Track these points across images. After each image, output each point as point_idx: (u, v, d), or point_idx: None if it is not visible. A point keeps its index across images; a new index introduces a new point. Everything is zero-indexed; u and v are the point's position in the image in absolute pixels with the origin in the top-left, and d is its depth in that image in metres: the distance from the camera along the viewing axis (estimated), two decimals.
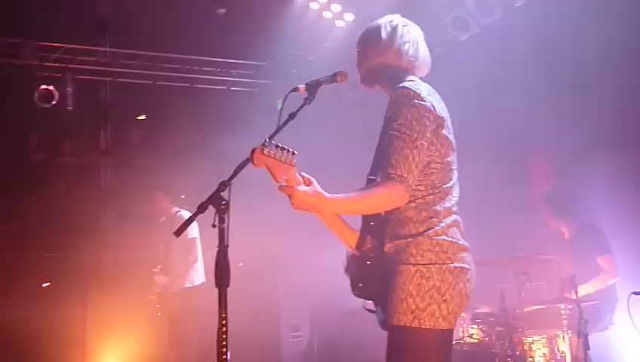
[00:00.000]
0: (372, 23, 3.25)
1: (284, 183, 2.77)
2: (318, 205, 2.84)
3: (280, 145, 2.67)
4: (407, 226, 2.93)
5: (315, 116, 3.27)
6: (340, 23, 8.04)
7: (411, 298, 2.82)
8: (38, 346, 6.87)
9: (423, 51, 3.22)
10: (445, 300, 2.83)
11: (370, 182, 3.03)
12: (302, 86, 3.01)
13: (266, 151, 2.62)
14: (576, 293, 5.11)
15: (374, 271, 2.98)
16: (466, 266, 2.92)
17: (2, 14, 7.64)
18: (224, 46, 8.75)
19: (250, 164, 2.69)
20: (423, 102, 2.92)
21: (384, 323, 2.97)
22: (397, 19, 3.23)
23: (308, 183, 2.87)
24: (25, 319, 7.32)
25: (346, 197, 2.87)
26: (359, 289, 2.99)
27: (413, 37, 3.20)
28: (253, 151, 2.63)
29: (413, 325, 2.81)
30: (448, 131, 3.03)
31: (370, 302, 3.06)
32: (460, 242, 2.94)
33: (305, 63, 8.49)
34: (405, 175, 2.83)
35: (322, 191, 2.85)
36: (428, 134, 2.90)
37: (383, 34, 3.17)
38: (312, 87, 3.00)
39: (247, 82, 9.37)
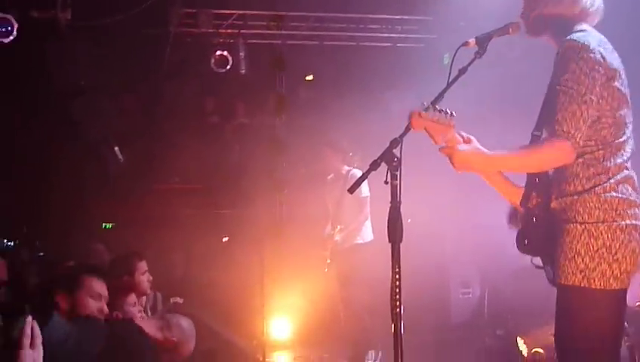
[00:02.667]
0: None
1: (444, 144, 2.79)
2: (479, 163, 2.85)
3: (438, 107, 2.68)
4: (572, 183, 2.84)
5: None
6: None
7: (580, 257, 2.76)
8: (220, 297, 7.29)
9: None
10: (617, 259, 2.75)
11: (535, 139, 2.95)
12: (472, 40, 2.95)
13: (423, 114, 2.65)
14: None
15: (540, 228, 2.93)
16: (638, 223, 2.79)
17: None
18: (389, 2, 8.69)
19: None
20: (592, 55, 2.79)
21: (553, 281, 2.93)
22: None
23: (467, 142, 2.84)
24: (207, 271, 7.83)
25: (509, 155, 2.87)
26: (524, 246, 2.96)
27: None
28: (410, 115, 2.67)
29: (583, 285, 2.76)
30: (621, 83, 2.86)
31: (538, 258, 3.00)
32: (631, 198, 2.81)
33: (472, 15, 8.23)
34: (572, 131, 2.74)
35: (482, 149, 2.84)
36: (597, 88, 2.78)
37: None
38: (483, 41, 2.93)
39: (413, 38, 9.26)
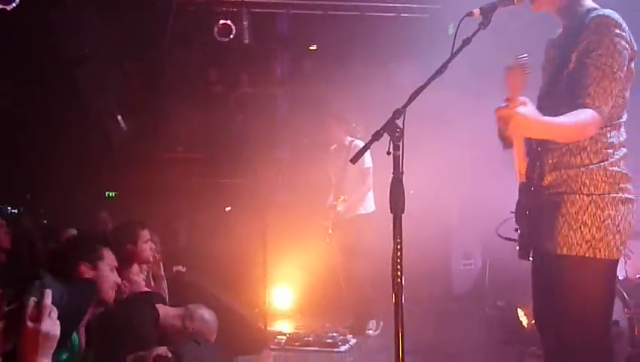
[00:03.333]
0: None
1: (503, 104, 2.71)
2: (535, 129, 2.79)
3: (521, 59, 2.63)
4: (579, 155, 2.89)
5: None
6: None
7: (586, 227, 2.82)
8: (222, 266, 7.33)
9: None
10: (619, 230, 2.84)
11: (542, 107, 2.93)
12: (476, 10, 2.91)
13: (527, 69, 2.61)
14: None
15: (536, 198, 2.98)
16: (633, 197, 2.91)
17: None
18: None
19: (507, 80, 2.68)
20: (624, 33, 2.83)
21: (524, 254, 3.03)
22: None
23: (524, 104, 2.79)
24: (210, 240, 7.86)
25: (557, 123, 2.81)
26: (526, 216, 2.99)
27: None
28: (512, 67, 2.64)
29: (588, 255, 2.82)
30: (633, 65, 2.92)
31: (507, 229, 3.15)
32: (629, 174, 2.92)
33: None
34: (602, 107, 2.78)
35: (539, 114, 2.77)
36: (626, 67, 2.84)
37: None
38: (487, 11, 2.89)
39: (417, 7, 9.19)
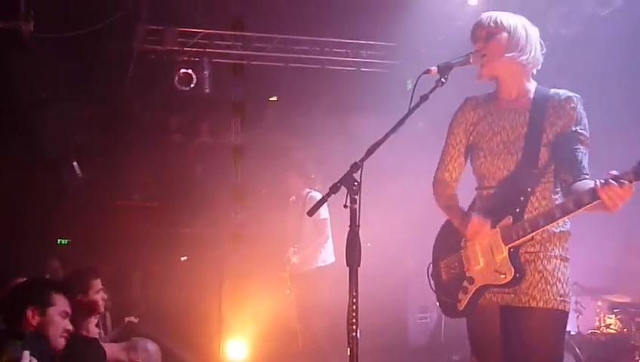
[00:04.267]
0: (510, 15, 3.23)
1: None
2: None
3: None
4: None
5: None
6: (472, 1, 7.83)
7: (560, 284, 3.03)
8: (177, 317, 7.21)
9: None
10: (570, 288, 3.09)
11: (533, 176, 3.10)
12: (434, 68, 2.98)
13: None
14: None
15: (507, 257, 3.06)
16: None
17: (145, 3, 8.03)
18: (354, 27, 8.77)
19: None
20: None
21: (466, 310, 3.29)
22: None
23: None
24: (165, 291, 7.72)
25: None
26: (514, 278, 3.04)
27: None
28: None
29: (560, 308, 3.02)
30: None
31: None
32: None
33: (434, 43, 8.35)
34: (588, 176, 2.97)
35: None
36: None
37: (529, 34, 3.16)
38: (444, 69, 2.97)
39: (378, 63, 9.35)
